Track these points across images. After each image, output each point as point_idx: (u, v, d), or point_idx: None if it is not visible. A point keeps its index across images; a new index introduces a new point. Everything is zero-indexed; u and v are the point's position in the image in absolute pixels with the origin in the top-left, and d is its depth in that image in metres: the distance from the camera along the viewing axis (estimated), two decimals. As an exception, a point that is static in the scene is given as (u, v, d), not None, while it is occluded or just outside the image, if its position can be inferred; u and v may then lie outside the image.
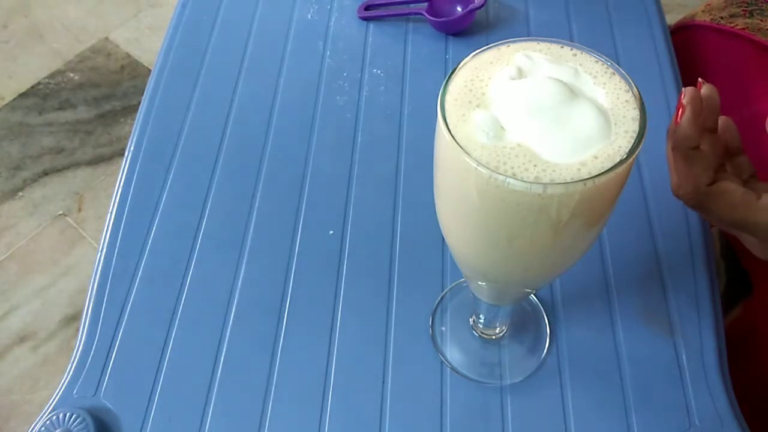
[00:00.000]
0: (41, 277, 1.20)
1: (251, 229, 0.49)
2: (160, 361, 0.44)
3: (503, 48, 0.31)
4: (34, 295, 1.18)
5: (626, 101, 0.28)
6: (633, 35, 0.60)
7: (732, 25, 0.59)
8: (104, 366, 0.44)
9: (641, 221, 0.49)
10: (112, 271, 0.47)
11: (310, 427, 0.41)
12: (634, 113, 0.28)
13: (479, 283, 0.37)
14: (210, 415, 0.42)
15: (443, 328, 0.45)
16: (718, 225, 0.39)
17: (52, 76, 1.49)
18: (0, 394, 1.08)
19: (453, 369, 0.43)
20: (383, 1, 0.63)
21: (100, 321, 0.45)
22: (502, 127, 0.27)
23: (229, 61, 0.59)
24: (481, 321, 0.44)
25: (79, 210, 1.29)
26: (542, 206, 0.26)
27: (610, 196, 0.28)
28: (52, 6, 1.62)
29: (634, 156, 0.26)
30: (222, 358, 0.44)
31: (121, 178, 0.52)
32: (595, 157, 0.26)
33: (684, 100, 0.33)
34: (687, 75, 0.58)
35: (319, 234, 0.49)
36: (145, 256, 0.48)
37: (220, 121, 0.55)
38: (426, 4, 0.62)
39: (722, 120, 0.37)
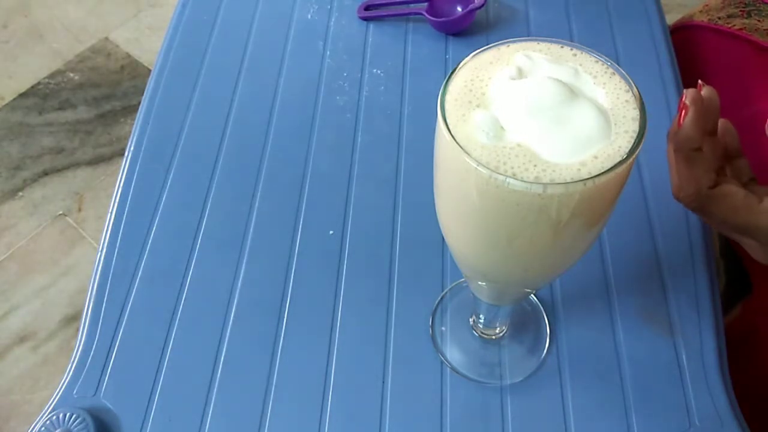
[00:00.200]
0: (41, 277, 1.20)
1: (251, 229, 0.49)
2: (160, 361, 0.44)
3: (503, 48, 0.31)
4: (34, 295, 1.18)
5: (626, 101, 0.28)
6: (633, 35, 0.60)
7: (730, 25, 0.59)
8: (104, 366, 0.44)
9: (641, 221, 0.49)
10: (112, 271, 0.47)
11: (310, 427, 0.41)
12: (634, 113, 0.28)
13: (479, 283, 0.37)
14: (210, 415, 0.42)
15: (443, 328, 0.45)
16: (719, 228, 0.38)
17: (52, 76, 1.49)
18: (0, 394, 1.08)
19: (453, 369, 0.43)
20: (383, 1, 0.63)
21: (100, 321, 0.45)
22: (502, 127, 0.27)
23: (229, 61, 0.59)
24: (481, 321, 0.44)
25: (79, 210, 1.29)
26: (542, 206, 0.26)
27: (610, 196, 0.28)
28: (52, 6, 1.62)
29: (634, 156, 0.26)
30: (222, 358, 0.44)
31: (121, 178, 0.52)
32: (595, 157, 0.26)
33: (686, 101, 0.33)
34: (685, 75, 0.58)
35: (319, 234, 0.49)
36: (145, 256, 0.48)
37: (220, 121, 0.55)
38: (426, 4, 0.62)
39: (722, 123, 0.36)
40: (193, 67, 0.59)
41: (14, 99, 1.45)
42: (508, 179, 0.25)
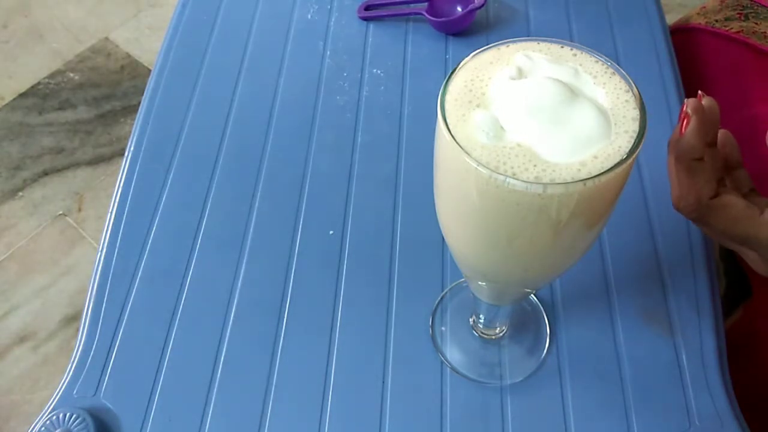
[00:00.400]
0: (41, 277, 1.20)
1: (251, 229, 0.49)
2: (160, 361, 0.44)
3: (503, 48, 0.31)
4: (34, 295, 1.18)
5: (626, 101, 0.28)
6: (633, 35, 0.60)
7: (727, 28, 0.59)
8: (104, 366, 0.44)
9: (641, 221, 0.49)
10: (112, 271, 0.47)
11: (310, 427, 0.41)
12: (634, 113, 0.28)
13: (479, 283, 0.37)
14: (210, 415, 0.42)
15: (443, 328, 0.45)
16: (718, 239, 0.38)
17: (52, 76, 1.49)
18: (0, 394, 1.08)
19: (453, 369, 0.43)
20: (383, 1, 0.63)
21: (100, 321, 0.45)
22: (502, 127, 0.27)
23: (229, 61, 0.59)
24: (481, 321, 0.44)
25: (79, 210, 1.29)
26: (542, 206, 0.26)
27: (610, 196, 0.28)
28: (52, 6, 1.62)
29: (634, 156, 0.26)
30: (222, 358, 0.44)
31: (121, 178, 0.52)
32: (595, 157, 0.26)
33: (688, 110, 0.33)
34: (682, 78, 0.58)
35: (319, 234, 0.49)
36: (145, 256, 0.48)
37: (220, 121, 0.55)
38: (426, 4, 0.62)
39: (722, 134, 0.36)
40: (193, 67, 0.59)
41: (14, 99, 1.45)
42: (508, 179, 0.25)
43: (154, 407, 0.42)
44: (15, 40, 1.56)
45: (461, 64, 0.30)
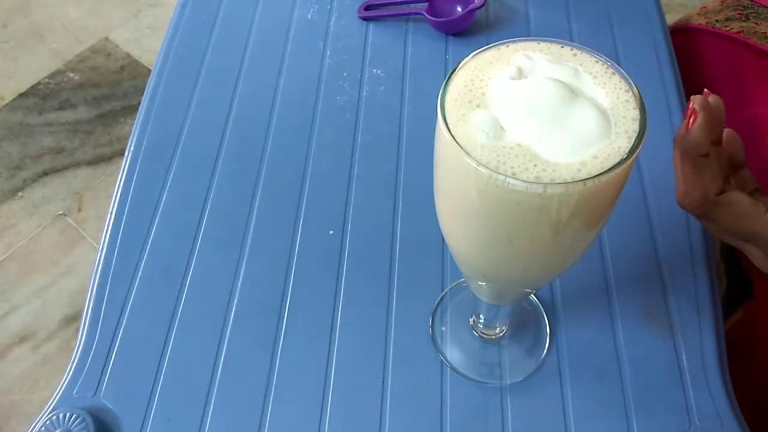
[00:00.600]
0: (41, 277, 1.20)
1: (251, 229, 0.49)
2: (160, 361, 0.44)
3: (503, 48, 0.31)
4: (34, 295, 1.18)
5: (626, 101, 0.28)
6: (633, 35, 0.60)
7: (728, 28, 0.59)
8: (104, 366, 0.44)
9: (641, 221, 0.49)
10: (112, 271, 0.47)
11: (310, 427, 0.41)
12: (634, 113, 0.28)
13: (479, 283, 0.37)
14: (210, 415, 0.42)
15: (443, 328, 0.45)
16: (722, 236, 0.38)
17: (52, 76, 1.49)
18: (0, 394, 1.08)
19: (453, 369, 0.43)
20: (383, 1, 0.63)
21: (100, 321, 0.45)
22: (502, 127, 0.27)
23: (229, 61, 0.59)
24: (481, 321, 0.44)
25: (79, 210, 1.29)
26: (542, 206, 0.26)
27: (610, 196, 0.28)
28: (52, 6, 1.62)
29: (634, 156, 0.26)
30: (222, 358, 0.44)
31: (121, 178, 0.52)
32: (595, 157, 0.26)
33: (695, 107, 0.33)
34: (683, 78, 0.58)
35: (319, 234, 0.49)
36: (145, 256, 0.48)
37: (220, 121, 0.55)
38: (426, 4, 0.62)
39: (727, 132, 0.36)
40: (193, 67, 0.59)
41: (14, 99, 1.45)
42: (508, 179, 0.25)
43: (154, 407, 0.42)
44: (15, 40, 1.56)
45: (461, 64, 0.30)
